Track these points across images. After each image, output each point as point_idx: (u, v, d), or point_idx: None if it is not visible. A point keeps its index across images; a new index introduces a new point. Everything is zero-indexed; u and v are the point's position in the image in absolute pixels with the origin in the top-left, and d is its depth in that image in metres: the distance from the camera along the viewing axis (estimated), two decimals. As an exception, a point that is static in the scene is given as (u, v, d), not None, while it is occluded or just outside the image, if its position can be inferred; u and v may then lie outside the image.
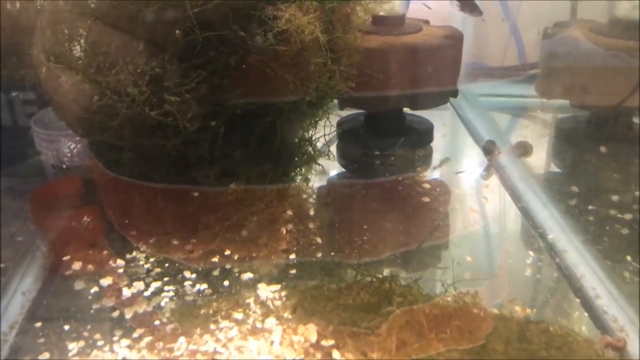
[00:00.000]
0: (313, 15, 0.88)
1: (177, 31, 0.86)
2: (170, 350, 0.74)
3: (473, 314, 0.77)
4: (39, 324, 0.80)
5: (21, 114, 1.24)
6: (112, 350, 0.75)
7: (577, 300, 0.83)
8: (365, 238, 0.99)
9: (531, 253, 0.95)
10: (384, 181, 1.20)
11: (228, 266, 0.92)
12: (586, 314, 0.81)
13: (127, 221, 1.00)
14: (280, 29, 0.86)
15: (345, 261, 0.93)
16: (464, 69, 1.52)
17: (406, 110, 1.32)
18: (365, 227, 1.02)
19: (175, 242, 0.96)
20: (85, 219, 1.01)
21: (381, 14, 1.24)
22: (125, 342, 0.76)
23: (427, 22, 1.35)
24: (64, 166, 1.14)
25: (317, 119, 1.11)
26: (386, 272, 0.89)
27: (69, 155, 1.14)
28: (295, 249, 0.96)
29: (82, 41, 0.89)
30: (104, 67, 0.84)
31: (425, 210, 1.09)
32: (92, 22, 0.87)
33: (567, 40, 1.26)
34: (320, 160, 1.13)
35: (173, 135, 0.89)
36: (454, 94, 1.27)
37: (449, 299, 0.80)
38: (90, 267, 0.91)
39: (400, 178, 1.20)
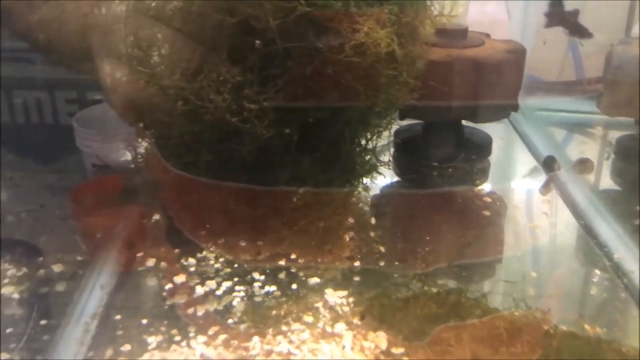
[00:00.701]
0: (390, 28, 0.90)
1: (257, 41, 0.89)
2: (246, 349, 0.77)
3: (543, 330, 0.78)
4: (118, 317, 0.83)
5: (63, 112, 1.28)
6: (189, 346, 0.78)
7: (647, 321, 0.83)
8: (427, 249, 1.00)
9: (597, 272, 0.95)
10: (442, 192, 1.20)
11: (293, 270, 0.94)
12: (657, 335, 0.81)
13: (196, 222, 1.03)
14: (358, 41, 0.88)
15: (410, 271, 0.94)
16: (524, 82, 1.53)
17: (464, 122, 1.33)
18: (428, 238, 1.03)
19: (243, 244, 0.99)
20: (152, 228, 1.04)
21: (446, 26, 1.25)
22: (202, 338, 0.79)
23: (488, 35, 1.36)
24: (103, 165, 1.17)
25: (381, 129, 1.13)
26: (450, 284, 0.90)
27: (109, 154, 1.17)
28: (358, 256, 0.98)
29: (165, 48, 0.92)
30: (188, 74, 0.87)
31: (486, 223, 1.10)
32: (177, 30, 0.91)
33: (633, 58, 1.25)
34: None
35: (249, 140, 0.92)
36: (515, 108, 1.28)
37: (517, 313, 0.81)
38: (163, 264, 0.94)
39: (459, 189, 1.20)
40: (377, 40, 0.89)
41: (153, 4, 0.95)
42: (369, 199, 1.16)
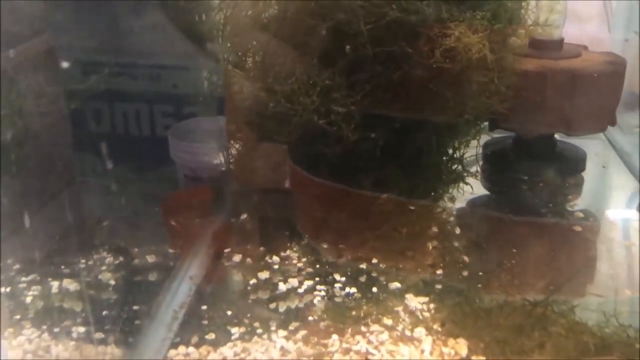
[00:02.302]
0: (482, 34, 0.89)
1: (347, 46, 0.91)
2: (325, 345, 0.78)
3: (636, 349, 0.74)
4: (204, 307, 0.87)
5: (159, 125, 1.34)
6: (270, 339, 0.80)
7: None
8: (513, 261, 0.97)
9: (696, 292, 0.89)
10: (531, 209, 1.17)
11: (374, 274, 0.94)
12: None
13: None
14: (448, 46, 0.88)
15: (495, 285, 0.91)
16: (622, 97, 1.46)
17: (558, 136, 1.29)
18: (514, 250, 1.00)
19: (325, 246, 1.00)
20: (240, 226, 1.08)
21: (540, 37, 1.22)
22: (282, 332, 0.81)
23: (585, 47, 1.31)
24: (195, 176, 1.21)
25: (468, 138, 1.11)
26: (537, 296, 0.87)
27: (201, 165, 1.21)
28: (441, 264, 0.97)
29: (260, 52, 0.97)
30: (280, 77, 0.90)
31: (578, 240, 1.05)
32: (271, 35, 0.95)
33: None
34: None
35: (334, 143, 0.94)
36: (612, 122, 1.22)
37: (608, 330, 0.77)
38: (248, 260, 0.97)
39: (549, 205, 1.16)
40: (468, 46, 0.89)
41: (249, 12, 1.00)
42: (455, 210, 1.14)
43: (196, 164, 1.21)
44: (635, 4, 1.58)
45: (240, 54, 0.99)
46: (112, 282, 0.93)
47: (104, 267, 0.97)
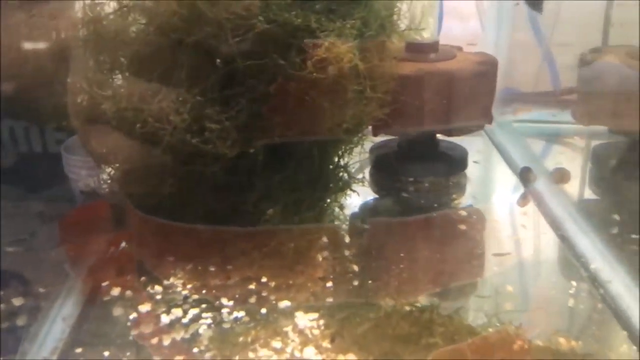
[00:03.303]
0: (352, 43, 0.88)
1: (218, 60, 0.88)
2: (210, 378, 0.74)
3: (517, 346, 0.76)
4: (79, 350, 0.80)
5: (51, 140, 1.27)
6: (151, 378, 0.75)
7: (625, 333, 0.81)
8: (402, 266, 0.98)
9: (573, 283, 0.93)
10: (420, 217, 1.18)
11: (265, 293, 0.91)
12: (635, 347, 0.78)
13: (163, 247, 1.00)
14: (319, 57, 0.87)
15: (384, 292, 0.91)
16: (498, 94, 1.52)
17: (440, 137, 1.32)
18: (402, 254, 1.01)
19: (212, 269, 0.96)
20: (116, 244, 1.02)
21: (416, 41, 1.24)
22: (165, 369, 0.76)
23: (460, 48, 1.35)
24: (92, 191, 1.16)
25: (352, 146, 1.11)
26: (424, 300, 0.88)
27: (96, 181, 1.16)
28: (331, 276, 0.95)
29: (124, 70, 0.91)
30: (146, 95, 0.85)
31: (464, 239, 1.08)
32: (135, 51, 0.89)
33: (605, 66, 1.25)
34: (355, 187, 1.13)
35: (212, 161, 0.90)
36: (489, 120, 1.27)
37: (491, 330, 0.79)
38: (128, 292, 0.91)
39: (436, 213, 1.18)
40: (339, 55, 0.88)
41: (113, 27, 0.94)
42: (347, 217, 1.14)
43: (91, 178, 1.16)
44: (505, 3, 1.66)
45: (105, 72, 0.92)
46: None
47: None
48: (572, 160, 1.40)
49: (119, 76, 0.95)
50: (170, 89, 0.86)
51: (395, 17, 1.08)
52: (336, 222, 1.11)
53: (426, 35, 1.29)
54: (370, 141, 1.31)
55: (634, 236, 1.03)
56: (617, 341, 0.80)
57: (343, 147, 1.10)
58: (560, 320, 0.86)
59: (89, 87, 0.92)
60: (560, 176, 1.25)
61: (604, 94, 1.22)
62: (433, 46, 1.26)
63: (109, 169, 1.11)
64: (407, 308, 0.85)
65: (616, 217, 1.11)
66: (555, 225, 1.08)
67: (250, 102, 0.89)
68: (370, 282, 0.94)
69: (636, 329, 0.81)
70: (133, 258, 1.02)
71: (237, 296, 0.90)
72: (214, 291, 0.91)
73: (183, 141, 0.85)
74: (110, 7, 0.97)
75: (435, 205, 1.19)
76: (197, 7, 0.83)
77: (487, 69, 1.23)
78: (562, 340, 0.79)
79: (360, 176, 1.16)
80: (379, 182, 1.28)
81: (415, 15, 1.23)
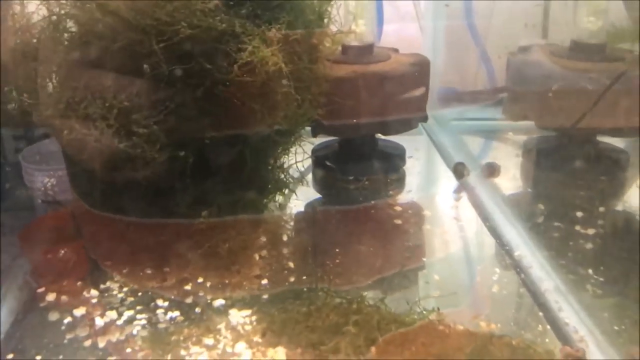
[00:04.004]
0: (276, 47, 0.91)
1: (145, 65, 0.89)
2: (140, 376, 0.75)
3: (438, 331, 0.79)
4: (10, 356, 0.81)
5: (10, 149, 1.26)
6: (83, 379, 0.76)
7: (541, 313, 0.85)
8: (337, 261, 1.01)
9: (497, 270, 0.97)
10: (358, 206, 1.22)
11: (201, 293, 0.93)
12: (549, 326, 0.83)
13: (101, 251, 1.01)
14: (245, 60, 0.89)
15: (318, 285, 0.94)
16: (436, 94, 1.57)
17: (379, 136, 1.36)
18: (338, 250, 1.04)
19: (149, 271, 0.97)
20: (67, 252, 1.02)
21: (351, 43, 1.28)
22: (97, 370, 0.77)
23: (396, 50, 1.39)
24: (53, 200, 1.15)
25: (288, 147, 1.14)
26: (354, 293, 0.91)
27: (55, 189, 1.15)
28: (267, 274, 0.98)
29: (52, 77, 0.92)
30: (73, 102, 0.86)
31: (399, 233, 1.11)
32: (62, 58, 0.90)
33: (530, 64, 1.30)
34: (298, 187, 1.16)
35: (143, 166, 0.91)
36: (424, 118, 1.31)
37: (415, 317, 0.82)
38: (64, 298, 0.92)
39: (373, 202, 1.22)
40: (265, 59, 0.90)
41: (42, 36, 0.94)
42: (289, 218, 1.16)
43: (51, 188, 1.15)
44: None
45: (32, 80, 0.93)
46: None
47: None
48: (506, 155, 1.45)
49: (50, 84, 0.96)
50: (97, 95, 0.87)
51: (325, 21, 1.11)
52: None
53: (363, 38, 1.33)
54: (312, 143, 1.35)
55: (555, 224, 1.08)
56: (534, 323, 0.84)
57: (279, 148, 1.12)
58: (485, 306, 0.89)
59: (18, 96, 0.92)
60: (491, 170, 1.30)
61: (528, 91, 1.27)
62: (367, 48, 1.30)
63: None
64: (337, 300, 0.87)
65: (541, 207, 1.16)
66: (485, 217, 1.13)
67: (179, 106, 0.91)
68: (304, 277, 0.96)
69: (552, 309, 0.85)
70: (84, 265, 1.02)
71: (172, 297, 0.92)
72: (150, 293, 0.93)
73: (111, 146, 0.86)
74: (40, 14, 0.98)
75: (373, 202, 1.22)
76: (121, 15, 0.85)
77: (419, 69, 1.27)
78: (482, 323, 0.83)
79: (302, 177, 1.18)
80: (321, 181, 1.31)
81: (346, 18, 1.27)
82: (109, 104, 0.86)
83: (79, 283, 0.95)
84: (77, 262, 1.01)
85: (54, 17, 0.95)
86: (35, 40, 0.96)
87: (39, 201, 1.18)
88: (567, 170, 1.26)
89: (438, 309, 0.81)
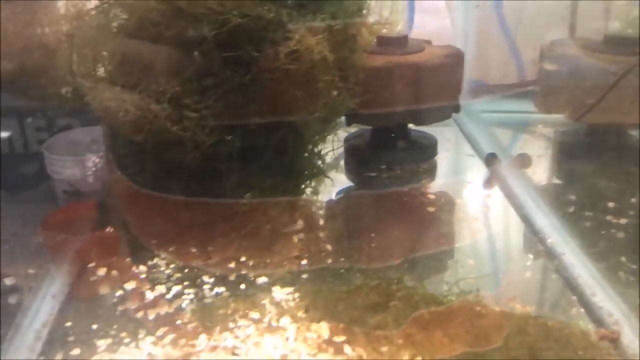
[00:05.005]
0: (321, 36, 0.94)
1: (196, 52, 0.93)
2: (192, 346, 0.80)
3: (476, 311, 0.82)
4: (68, 324, 0.86)
5: (33, 140, 1.30)
6: (137, 347, 0.80)
7: (574, 298, 0.88)
8: (373, 245, 1.04)
9: (530, 256, 1.00)
10: (390, 193, 1.25)
11: (244, 271, 0.97)
12: (583, 310, 0.85)
13: (148, 230, 1.06)
14: (291, 49, 0.93)
15: (355, 266, 0.97)
16: (467, 86, 1.59)
17: (411, 126, 1.39)
18: (373, 235, 1.07)
19: (194, 250, 1.02)
20: (104, 240, 1.06)
21: (386, 35, 1.31)
22: (150, 339, 0.82)
23: (429, 42, 1.42)
24: (75, 191, 1.18)
25: (325, 134, 1.17)
26: (393, 275, 0.94)
27: (81, 179, 1.17)
28: (306, 255, 1.01)
29: (106, 62, 0.96)
30: (128, 86, 0.91)
31: (432, 219, 1.15)
32: (117, 44, 0.94)
33: (563, 57, 1.32)
34: (331, 175, 1.19)
35: (192, 149, 0.95)
36: (456, 109, 1.34)
37: (453, 298, 0.86)
38: (114, 272, 0.97)
39: (405, 190, 1.25)
40: (310, 47, 0.94)
41: (96, 22, 0.99)
42: (324, 203, 1.19)
43: (74, 178, 1.17)
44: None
45: (88, 64, 0.97)
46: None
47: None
48: (536, 147, 1.47)
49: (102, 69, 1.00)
50: (151, 80, 0.91)
51: (364, 12, 1.14)
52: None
53: (398, 30, 1.36)
54: (346, 131, 1.38)
55: (587, 214, 1.11)
56: (568, 305, 0.87)
57: (317, 135, 1.15)
58: (518, 289, 0.92)
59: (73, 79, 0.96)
60: (522, 161, 1.32)
61: (561, 84, 1.29)
62: (402, 40, 1.32)
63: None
64: (376, 281, 0.91)
65: (572, 197, 1.18)
66: (517, 205, 1.15)
67: (227, 92, 0.95)
68: (342, 259, 1.00)
69: (585, 294, 0.88)
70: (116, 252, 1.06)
71: (217, 274, 0.96)
72: (195, 270, 0.97)
73: (163, 129, 0.90)
74: (92, 3, 1.02)
75: (406, 190, 1.25)
76: (175, 3, 0.89)
77: (453, 60, 1.30)
78: (517, 305, 0.86)
79: (337, 164, 1.22)
80: (353, 170, 1.34)
81: (384, 10, 1.30)
82: (162, 89, 0.90)
83: (127, 259, 1.00)
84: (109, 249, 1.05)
85: (106, 5, 1.00)
86: (89, 27, 1.00)
87: (62, 192, 1.19)
88: (598, 162, 1.28)
89: (478, 290, 0.84)
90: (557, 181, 1.32)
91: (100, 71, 0.99)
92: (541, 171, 1.34)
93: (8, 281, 0.95)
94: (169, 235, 1.04)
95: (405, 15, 1.65)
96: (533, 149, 1.44)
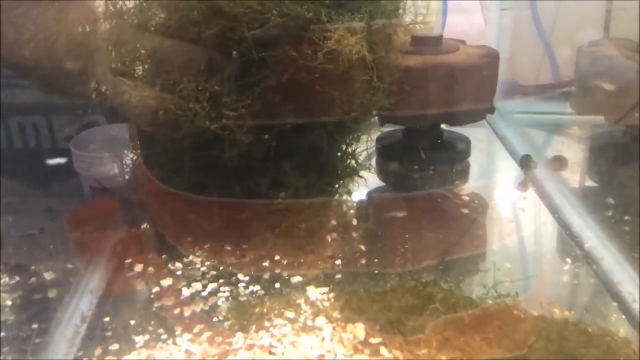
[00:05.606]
0: (360, 35, 0.94)
1: (234, 52, 0.94)
2: (229, 344, 0.80)
3: (514, 315, 0.82)
4: (107, 319, 0.87)
5: (60, 136, 1.30)
6: (175, 343, 0.81)
7: (615, 304, 0.87)
8: (407, 246, 1.04)
9: (568, 260, 0.98)
10: (424, 194, 1.24)
11: (278, 270, 0.98)
12: (624, 316, 0.84)
13: (182, 229, 1.07)
14: (330, 48, 0.93)
15: (389, 269, 0.97)
16: (500, 87, 1.57)
17: (444, 126, 1.38)
18: (407, 236, 1.07)
19: (229, 248, 1.02)
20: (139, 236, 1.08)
21: (420, 34, 1.30)
22: (187, 336, 0.82)
23: (463, 42, 1.41)
24: (101, 187, 1.19)
25: (359, 134, 1.17)
26: (428, 277, 0.93)
27: (107, 176, 1.19)
28: (340, 255, 1.01)
29: (146, 61, 0.97)
30: (168, 85, 0.91)
31: (465, 221, 1.14)
32: (157, 43, 0.95)
33: (601, 58, 1.30)
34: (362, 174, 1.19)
35: (229, 147, 0.96)
36: (491, 110, 1.32)
37: (490, 301, 0.85)
38: (150, 269, 0.98)
39: (439, 191, 1.24)
40: (348, 47, 0.94)
41: (135, 21, 1.00)
42: (355, 203, 1.19)
43: (101, 174, 1.18)
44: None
45: (127, 62, 0.98)
46: (9, 303, 0.91)
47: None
48: (571, 149, 1.45)
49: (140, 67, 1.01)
50: (190, 79, 0.91)
51: (400, 11, 1.13)
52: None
53: (431, 30, 1.35)
54: (378, 130, 1.38)
55: (626, 217, 1.09)
56: (607, 311, 0.86)
57: (351, 135, 1.15)
58: (556, 294, 0.91)
59: (113, 77, 0.97)
60: (558, 163, 1.30)
61: (599, 85, 1.27)
62: (437, 39, 1.31)
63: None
64: (412, 283, 0.90)
65: (611, 200, 1.16)
66: (553, 208, 1.14)
67: (265, 91, 0.95)
68: (376, 260, 1.00)
69: (625, 301, 0.86)
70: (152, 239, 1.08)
71: (252, 273, 0.96)
72: (230, 268, 0.98)
73: (202, 128, 0.91)
74: (131, 3, 1.03)
75: (440, 191, 1.25)
76: (216, 3, 0.89)
77: (488, 61, 1.28)
78: (556, 310, 0.85)
79: (369, 164, 1.22)
80: (385, 170, 1.34)
81: (419, 10, 1.29)
82: (202, 87, 0.90)
83: (163, 256, 1.01)
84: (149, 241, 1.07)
85: (145, 4, 1.01)
86: (128, 26, 1.01)
87: (88, 188, 1.20)
88: (635, 164, 1.26)
89: (517, 293, 0.83)
90: (593, 184, 1.29)
91: (139, 70, 1.00)
92: (577, 173, 1.32)
93: (47, 275, 0.96)
94: (204, 233, 1.05)
95: (440, 16, 1.64)
96: (568, 151, 1.42)
